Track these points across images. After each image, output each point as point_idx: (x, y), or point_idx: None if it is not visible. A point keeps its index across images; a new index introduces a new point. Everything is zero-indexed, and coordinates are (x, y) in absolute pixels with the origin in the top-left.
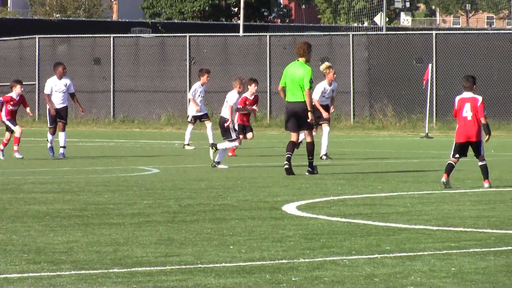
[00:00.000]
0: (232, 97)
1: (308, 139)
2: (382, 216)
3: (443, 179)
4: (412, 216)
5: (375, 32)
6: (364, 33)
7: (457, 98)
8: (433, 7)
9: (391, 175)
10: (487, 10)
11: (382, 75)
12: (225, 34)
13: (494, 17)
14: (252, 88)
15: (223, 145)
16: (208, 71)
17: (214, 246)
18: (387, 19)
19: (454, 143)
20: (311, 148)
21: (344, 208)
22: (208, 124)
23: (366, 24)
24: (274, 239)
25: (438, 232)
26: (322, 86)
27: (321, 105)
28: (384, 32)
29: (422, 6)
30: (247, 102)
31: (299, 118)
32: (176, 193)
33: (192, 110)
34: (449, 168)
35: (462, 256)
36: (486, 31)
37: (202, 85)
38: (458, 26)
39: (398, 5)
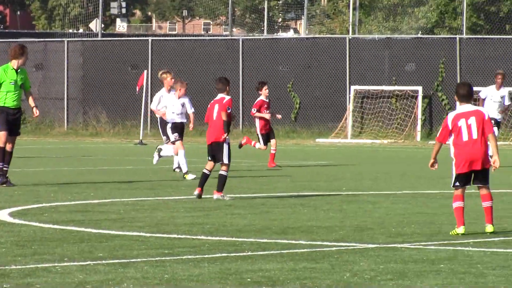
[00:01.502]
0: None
1: (8, 147)
2: (95, 223)
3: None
4: (125, 223)
5: (90, 39)
6: (80, 39)
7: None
8: (149, 13)
9: (105, 182)
10: (204, 16)
11: (97, 82)
12: None
13: (211, 23)
14: (264, 91)
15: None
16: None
17: None
18: (103, 26)
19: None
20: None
21: (56, 215)
22: None
23: (81, 30)
24: None
25: (152, 239)
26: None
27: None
28: (99, 38)
29: (138, 13)
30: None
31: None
32: None
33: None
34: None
35: (175, 263)
36: (202, 37)
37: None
38: (174, 32)
39: (114, 11)
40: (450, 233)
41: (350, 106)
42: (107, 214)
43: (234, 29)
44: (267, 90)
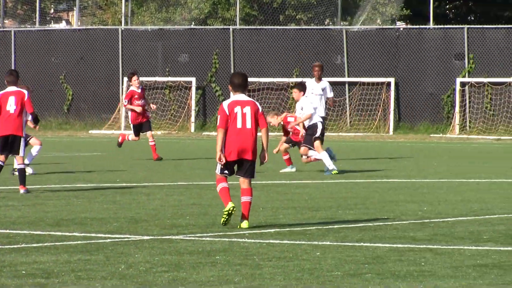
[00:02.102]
0: None
1: None
2: None
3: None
4: None
5: None
6: None
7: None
8: None
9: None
10: None
11: None
12: None
13: None
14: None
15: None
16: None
17: None
18: None
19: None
20: None
21: None
22: None
23: None
24: None
25: None
26: None
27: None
28: None
29: None
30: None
31: None
32: None
33: None
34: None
35: None
36: None
37: None
38: None
39: None
40: (222, 222)
41: (122, 98)
42: None
43: (6, 21)
44: (137, 81)
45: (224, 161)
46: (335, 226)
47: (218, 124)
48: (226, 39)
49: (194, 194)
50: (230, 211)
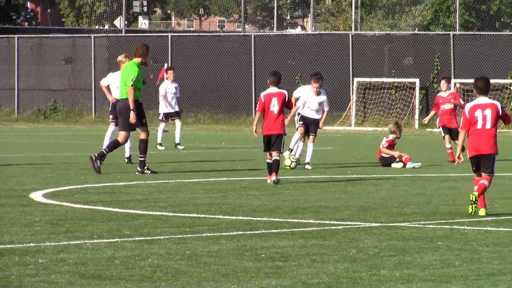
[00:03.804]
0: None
1: (141, 136)
2: (122, 203)
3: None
4: (150, 203)
5: (115, 34)
6: (105, 35)
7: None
8: (169, 11)
9: (130, 166)
10: (218, 14)
11: None
12: None
13: (226, 20)
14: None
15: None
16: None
17: None
18: (126, 22)
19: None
20: (142, 145)
21: (86, 196)
22: (178, 123)
23: (107, 27)
24: (22, 224)
25: (174, 218)
26: None
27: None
28: (123, 34)
29: (158, 10)
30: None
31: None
32: None
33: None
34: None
35: (196, 240)
36: (218, 34)
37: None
38: (192, 29)
39: (137, 9)
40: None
41: (353, 97)
42: (133, 195)
43: (246, 26)
44: (444, 85)
45: (462, 159)
46: None
47: (461, 125)
48: (447, 44)
49: (419, 185)
50: (472, 200)
